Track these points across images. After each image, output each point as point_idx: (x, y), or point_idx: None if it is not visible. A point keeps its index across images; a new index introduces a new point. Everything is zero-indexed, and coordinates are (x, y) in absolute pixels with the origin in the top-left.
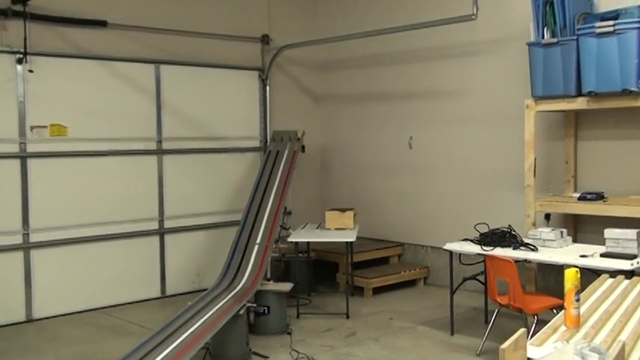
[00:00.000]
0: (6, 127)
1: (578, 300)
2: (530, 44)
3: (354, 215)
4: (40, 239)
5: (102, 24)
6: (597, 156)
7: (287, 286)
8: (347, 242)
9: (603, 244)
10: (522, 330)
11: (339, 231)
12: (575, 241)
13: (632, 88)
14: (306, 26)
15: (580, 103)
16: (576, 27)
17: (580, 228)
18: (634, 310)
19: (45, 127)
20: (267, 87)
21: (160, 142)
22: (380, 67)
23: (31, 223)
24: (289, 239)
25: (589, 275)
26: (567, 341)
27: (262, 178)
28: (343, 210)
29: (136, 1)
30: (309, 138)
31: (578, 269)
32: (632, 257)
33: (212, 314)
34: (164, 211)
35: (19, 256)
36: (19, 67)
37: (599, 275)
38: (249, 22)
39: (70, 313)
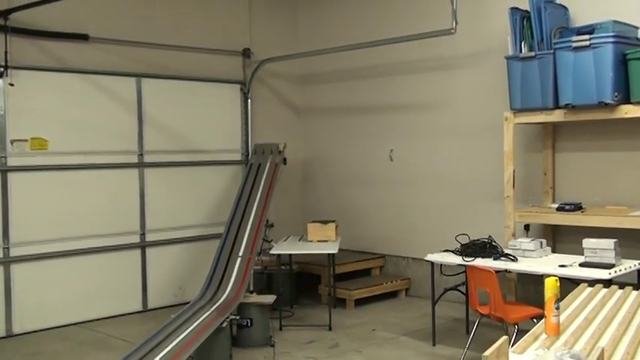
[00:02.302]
0: None
1: (558, 308)
2: (508, 58)
3: (336, 227)
4: (21, 253)
5: (83, 37)
6: (575, 167)
7: (270, 299)
8: (329, 254)
9: (582, 253)
10: (504, 337)
11: (321, 243)
12: (554, 251)
13: (608, 101)
14: (287, 40)
15: (557, 116)
16: (553, 41)
17: (559, 238)
18: (612, 318)
19: (26, 140)
20: (249, 100)
21: (141, 155)
22: (361, 80)
23: (11, 237)
24: (271, 251)
25: (568, 285)
26: (548, 348)
27: (244, 190)
28: (325, 222)
29: (117, 15)
30: (290, 151)
31: (557, 278)
32: (610, 266)
33: (195, 327)
34: (146, 224)
35: None
36: None
37: (578, 284)
38: (231, 36)
39: (51, 328)
